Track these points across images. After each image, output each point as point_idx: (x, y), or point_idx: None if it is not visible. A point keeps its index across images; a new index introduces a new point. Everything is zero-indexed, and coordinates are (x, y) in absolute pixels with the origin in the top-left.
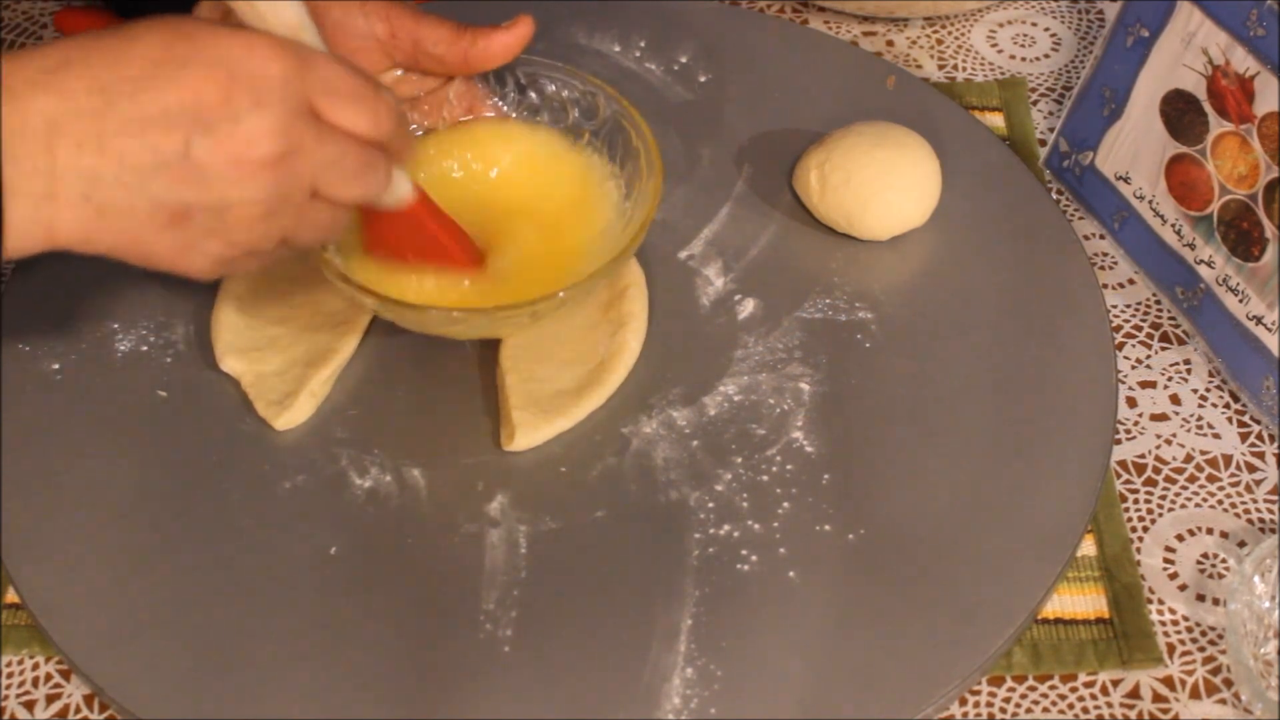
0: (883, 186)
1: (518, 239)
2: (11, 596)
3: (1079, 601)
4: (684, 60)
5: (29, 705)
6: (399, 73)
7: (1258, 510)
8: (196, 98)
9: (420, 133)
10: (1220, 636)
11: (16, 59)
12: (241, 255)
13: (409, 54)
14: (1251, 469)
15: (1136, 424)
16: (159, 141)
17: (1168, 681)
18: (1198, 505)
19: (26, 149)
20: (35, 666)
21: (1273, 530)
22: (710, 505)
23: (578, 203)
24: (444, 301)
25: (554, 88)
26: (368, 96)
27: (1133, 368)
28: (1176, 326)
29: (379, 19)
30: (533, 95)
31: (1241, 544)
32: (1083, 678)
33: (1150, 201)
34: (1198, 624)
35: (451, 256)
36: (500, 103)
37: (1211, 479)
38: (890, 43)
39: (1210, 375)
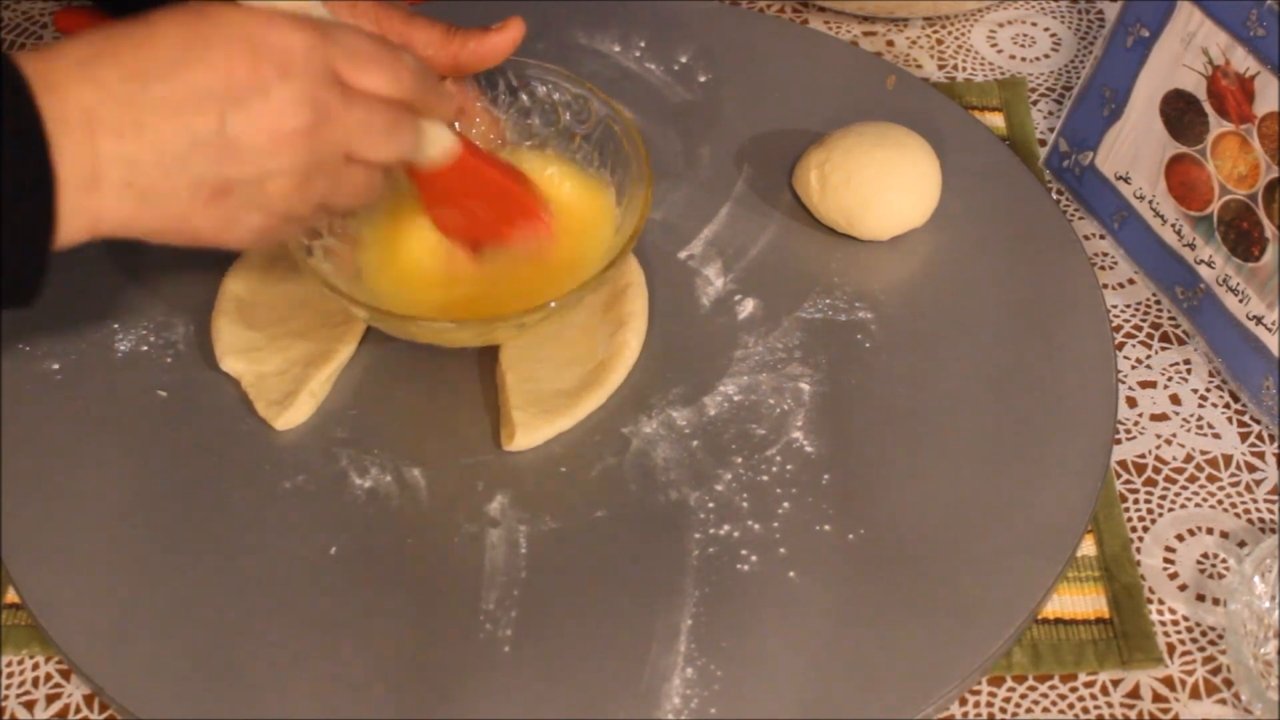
0: (883, 186)
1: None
2: (11, 596)
3: (1079, 601)
4: (684, 60)
5: (29, 705)
6: None
7: (1258, 510)
8: (226, 75)
9: None
10: (1220, 636)
11: (50, 53)
12: (281, 223)
13: None
14: (1251, 469)
15: (1136, 424)
16: (194, 121)
17: (1168, 681)
18: (1198, 505)
19: (69, 140)
20: (35, 666)
21: (1273, 530)
22: (710, 505)
23: (570, 207)
24: (436, 310)
25: (545, 90)
26: (386, 58)
27: (1133, 368)
28: (1176, 326)
29: (368, 21)
30: (524, 97)
31: (1241, 544)
32: (1083, 678)
33: (1150, 201)
34: (1198, 624)
35: (519, 199)
36: (491, 105)
37: (1211, 479)
38: (890, 43)
39: (1210, 375)
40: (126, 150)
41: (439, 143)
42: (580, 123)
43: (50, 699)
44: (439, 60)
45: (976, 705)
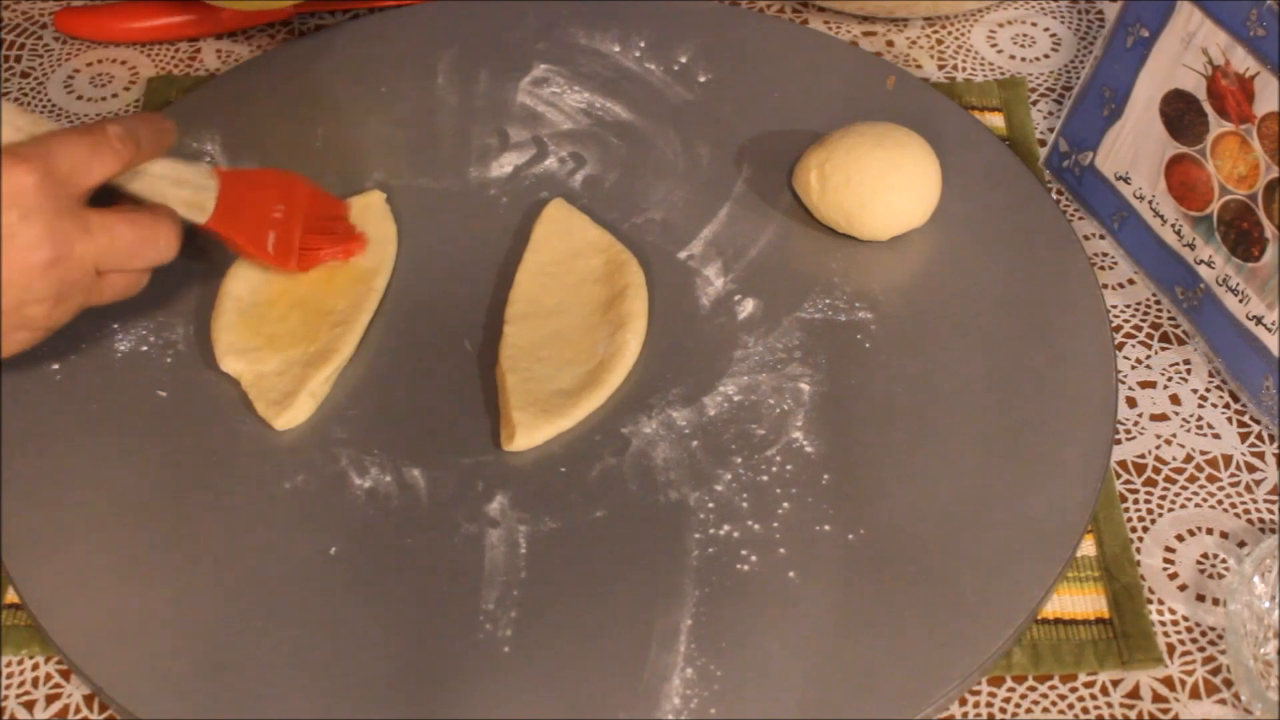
0: (883, 186)
1: None
2: (11, 596)
3: (1079, 601)
4: (684, 60)
5: (29, 705)
6: None
7: (1258, 510)
8: None
9: None
10: (1220, 636)
11: None
12: (46, 333)
13: None
14: (1251, 469)
15: (1136, 424)
16: None
17: (1168, 681)
18: (1198, 505)
19: None
20: (35, 666)
21: (1273, 530)
22: (710, 505)
23: None
24: None
25: None
26: (100, 144)
27: (1133, 368)
28: (1176, 326)
29: None
30: None
31: (1241, 544)
32: (1083, 678)
33: (1150, 201)
34: (1198, 624)
35: (261, 257)
36: None
37: (1211, 479)
38: (890, 43)
39: (1210, 375)
40: None
41: (204, 207)
42: None
43: (50, 699)
44: None
45: (976, 705)
